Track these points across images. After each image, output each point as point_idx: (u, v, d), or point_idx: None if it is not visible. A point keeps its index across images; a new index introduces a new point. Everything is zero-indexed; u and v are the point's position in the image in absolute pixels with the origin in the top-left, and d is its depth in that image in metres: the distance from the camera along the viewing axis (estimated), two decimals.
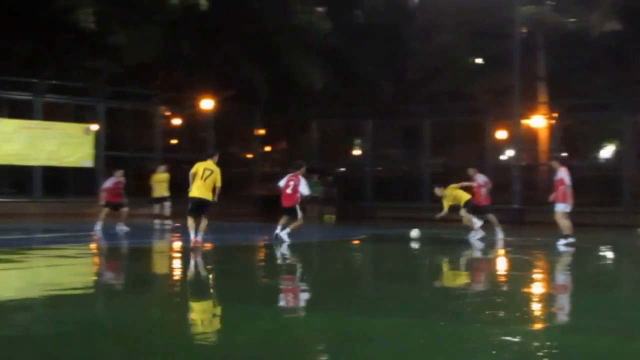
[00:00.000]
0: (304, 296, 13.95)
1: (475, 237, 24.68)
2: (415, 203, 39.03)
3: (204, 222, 20.61)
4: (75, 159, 37.38)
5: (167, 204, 30.38)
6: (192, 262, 18.91)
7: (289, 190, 23.50)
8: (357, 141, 46.87)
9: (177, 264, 19.81)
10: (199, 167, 20.70)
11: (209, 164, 20.75)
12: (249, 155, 46.11)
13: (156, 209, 30.67)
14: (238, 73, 41.93)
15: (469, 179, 26.39)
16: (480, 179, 26.31)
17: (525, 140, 39.57)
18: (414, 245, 24.17)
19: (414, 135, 42.18)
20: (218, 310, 12.34)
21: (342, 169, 45.54)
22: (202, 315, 11.98)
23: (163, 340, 9.75)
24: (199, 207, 20.63)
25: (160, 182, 30.80)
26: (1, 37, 37.59)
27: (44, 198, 36.48)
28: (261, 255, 22.06)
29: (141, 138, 41.69)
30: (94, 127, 38.34)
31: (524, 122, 39.32)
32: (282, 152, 48.08)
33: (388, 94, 44.10)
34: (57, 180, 37.67)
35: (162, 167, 31.56)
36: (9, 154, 35.02)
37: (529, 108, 39.67)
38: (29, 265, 18.64)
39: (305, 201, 24.90)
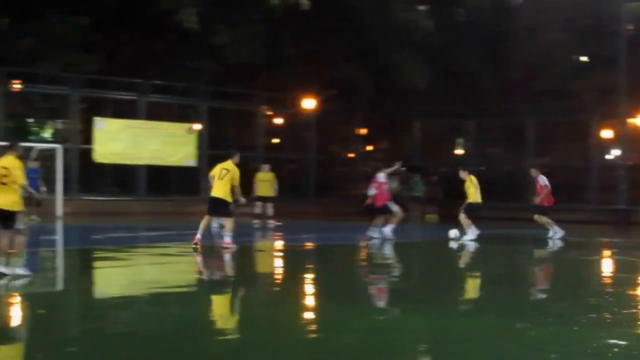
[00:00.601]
0: (403, 296, 13.82)
1: (467, 238, 24.19)
2: (518, 203, 38.45)
3: (228, 223, 20.44)
4: (179, 158, 37.75)
5: (270, 204, 30.43)
6: (292, 261, 18.88)
7: (376, 191, 24.07)
8: (460, 140, 46.48)
9: (278, 263, 19.84)
10: (217, 168, 20.63)
11: (227, 164, 20.52)
12: (351, 155, 46.03)
13: (257, 208, 30.74)
14: (339, 72, 41.84)
15: (533, 179, 26.34)
16: (541, 180, 25.98)
17: (632, 140, 38.72)
18: (515, 245, 23.85)
19: (517, 134, 41.65)
20: (319, 309, 12.28)
21: (445, 169, 45.16)
22: (303, 314, 11.88)
23: (265, 338, 9.73)
24: (216, 207, 20.47)
25: (263, 182, 30.90)
26: (106, 38, 38.10)
27: (148, 196, 36.91)
28: (361, 254, 21.96)
29: (243, 137, 41.89)
30: (197, 126, 38.64)
31: (631, 121, 38.48)
32: (383, 151, 47.86)
33: (491, 93, 43.55)
34: (161, 179, 38.08)
35: (266, 167, 31.64)
36: (113, 153, 35.51)
37: (636, 107, 38.81)
38: (133, 263, 18.87)
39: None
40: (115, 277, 16.11)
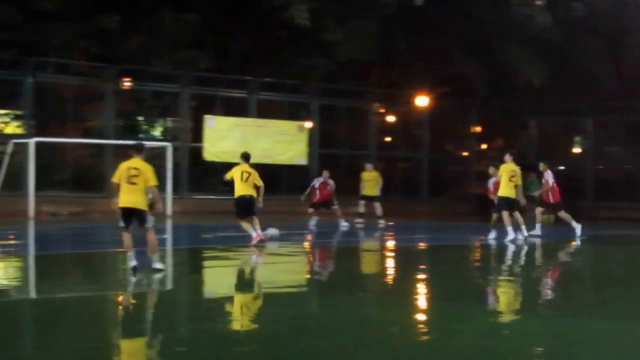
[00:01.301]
0: (518, 298, 13.67)
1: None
2: (639, 203, 37.24)
3: (256, 220, 20.82)
4: (289, 157, 37.45)
5: (377, 203, 29.81)
6: (404, 262, 18.47)
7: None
8: (577, 139, 45.29)
9: (390, 263, 19.48)
10: (236, 170, 21.10)
11: (245, 167, 21.06)
12: (465, 153, 45.22)
13: (361, 207, 30.18)
14: (453, 69, 41.12)
15: (540, 174, 25.70)
16: (548, 176, 25.14)
17: None
18: (632, 247, 23.05)
19: (638, 132, 40.32)
20: (431, 310, 12.04)
21: (562, 168, 43.93)
22: (415, 315, 11.60)
23: (375, 339, 9.60)
24: (247, 207, 20.78)
25: (368, 181, 30.28)
26: (216, 35, 38.06)
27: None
28: (475, 255, 21.54)
29: (355, 135, 41.41)
30: (308, 124, 38.31)
31: None
32: (498, 149, 46.87)
33: (609, 90, 42.27)
34: (270, 178, 37.72)
35: (370, 166, 30.99)
36: (223, 151, 35.29)
37: None
38: (242, 262, 18.84)
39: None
40: (224, 277, 16.04)
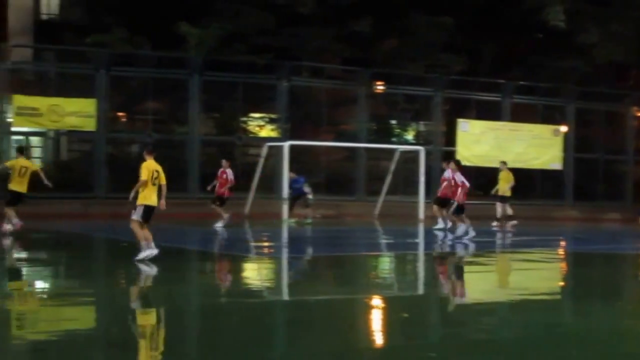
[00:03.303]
0: None
1: None
2: None
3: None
4: (543, 161, 36.57)
5: (505, 204, 28.54)
6: None
7: None
8: None
9: None
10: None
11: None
12: None
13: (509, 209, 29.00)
14: None
15: None
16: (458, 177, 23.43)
17: None
18: None
19: None
20: None
21: None
22: None
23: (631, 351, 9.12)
24: None
25: (502, 181, 29.00)
26: (469, 38, 37.66)
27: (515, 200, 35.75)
28: None
29: (612, 140, 39.98)
30: (563, 128, 37.29)
31: None
32: None
33: None
34: (524, 183, 36.96)
35: (502, 165, 29.60)
36: (476, 155, 34.85)
37: None
38: (495, 268, 18.51)
39: None
40: (476, 282, 15.74)
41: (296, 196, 28.11)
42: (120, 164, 32.67)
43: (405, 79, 34.91)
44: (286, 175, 28.31)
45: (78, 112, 29.77)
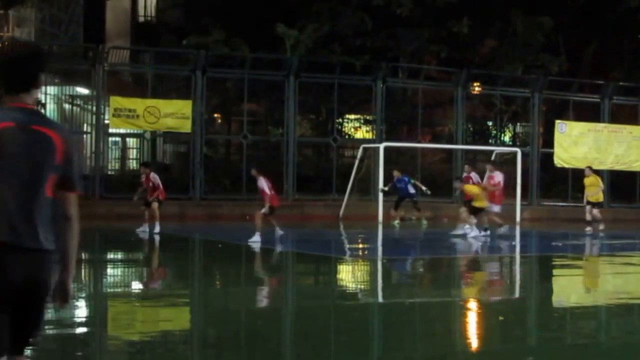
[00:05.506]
0: None
1: None
2: None
3: None
4: None
5: (588, 207, 27.72)
6: None
7: None
8: None
9: None
10: None
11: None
12: None
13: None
14: None
15: None
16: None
17: None
18: None
19: None
20: None
21: None
22: None
23: None
24: None
25: (589, 187, 28.18)
26: (568, 38, 37.13)
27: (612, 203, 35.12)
28: None
29: None
30: None
31: None
32: None
33: None
34: (624, 185, 36.28)
35: (588, 170, 28.78)
36: (574, 157, 34.29)
37: None
38: (594, 271, 18.16)
39: None
40: (575, 286, 15.50)
41: (402, 197, 27.62)
42: (216, 165, 32.96)
43: (503, 80, 34.53)
44: (381, 176, 28.18)
45: (174, 114, 30.04)
